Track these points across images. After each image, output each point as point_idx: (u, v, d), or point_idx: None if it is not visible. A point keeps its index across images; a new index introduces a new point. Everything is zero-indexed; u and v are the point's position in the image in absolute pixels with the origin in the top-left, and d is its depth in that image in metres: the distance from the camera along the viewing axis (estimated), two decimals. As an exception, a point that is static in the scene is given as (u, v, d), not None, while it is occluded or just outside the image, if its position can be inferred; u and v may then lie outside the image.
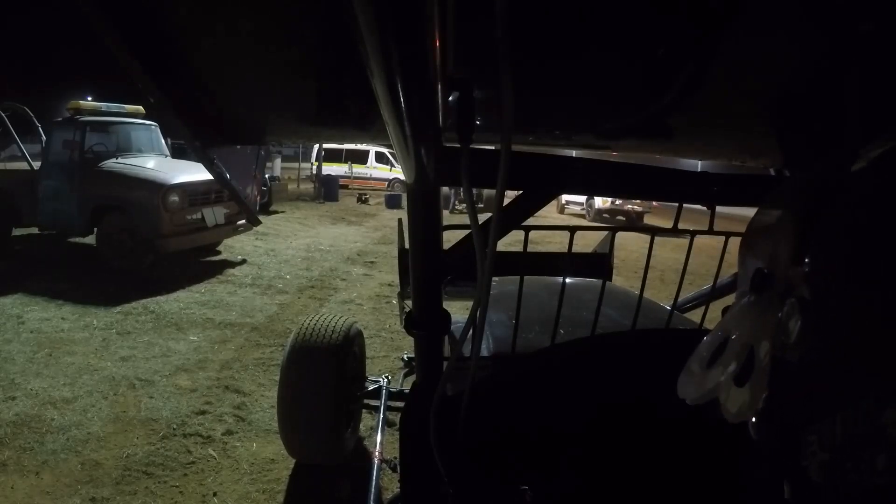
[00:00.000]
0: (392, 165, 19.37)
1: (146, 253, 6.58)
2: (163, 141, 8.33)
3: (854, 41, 0.59)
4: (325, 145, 17.97)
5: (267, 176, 12.86)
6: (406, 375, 3.24)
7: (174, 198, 6.49)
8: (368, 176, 20.16)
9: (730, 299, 1.66)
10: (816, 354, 0.50)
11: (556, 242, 7.27)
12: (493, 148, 0.98)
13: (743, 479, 0.74)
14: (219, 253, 8.01)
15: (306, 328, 2.60)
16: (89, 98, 9.32)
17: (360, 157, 20.14)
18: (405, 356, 3.52)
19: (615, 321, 1.75)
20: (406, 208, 0.98)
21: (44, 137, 7.38)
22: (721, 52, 0.70)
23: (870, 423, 0.43)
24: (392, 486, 2.66)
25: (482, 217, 0.80)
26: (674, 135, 1.11)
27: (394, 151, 0.80)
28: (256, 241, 8.99)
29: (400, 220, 1.91)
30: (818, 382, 0.50)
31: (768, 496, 0.60)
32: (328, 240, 9.80)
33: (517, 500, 1.17)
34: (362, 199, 16.30)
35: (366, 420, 3.20)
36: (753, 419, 0.58)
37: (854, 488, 0.44)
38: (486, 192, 11.19)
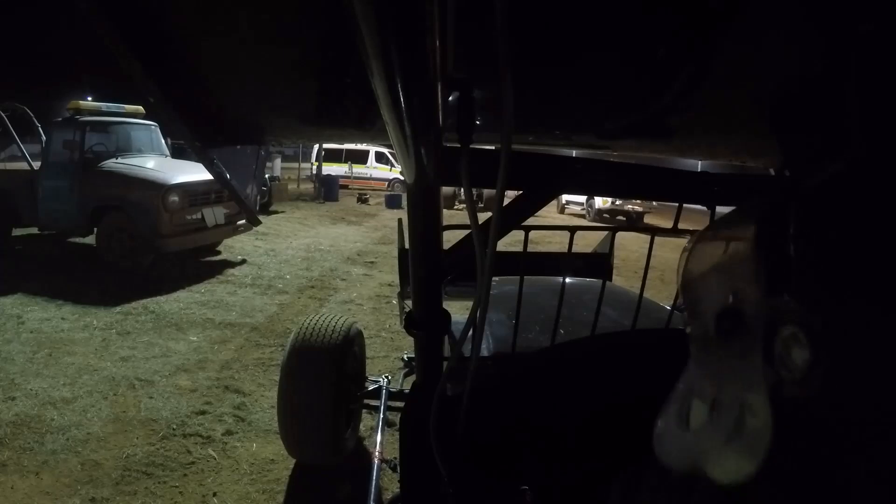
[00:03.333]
0: (392, 165, 19.36)
1: (146, 253, 6.59)
2: (163, 141, 8.33)
3: (854, 41, 0.59)
4: (325, 145, 17.97)
5: (267, 176, 12.84)
6: (406, 375, 3.24)
7: (174, 198, 6.49)
8: (368, 176, 20.16)
9: None
10: (837, 382, 0.45)
11: (556, 242, 7.27)
12: (493, 148, 0.98)
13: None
14: (219, 253, 8.01)
15: (306, 328, 2.60)
16: (89, 98, 9.32)
17: (360, 157, 20.13)
18: (405, 356, 3.52)
19: (615, 321, 1.75)
20: (406, 208, 0.98)
21: (44, 137, 7.37)
22: (721, 51, 0.70)
23: None
24: (392, 486, 2.66)
25: (482, 217, 0.80)
26: (674, 135, 1.11)
27: (394, 151, 0.80)
28: (256, 241, 8.99)
29: (400, 220, 1.91)
30: (848, 411, 0.45)
31: None
32: (328, 240, 9.80)
33: (517, 500, 1.17)
34: (362, 199, 16.29)
35: (366, 420, 3.20)
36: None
37: None
38: (487, 191, 11.19)
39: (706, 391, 0.58)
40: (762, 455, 0.48)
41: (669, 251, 7.15)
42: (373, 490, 1.97)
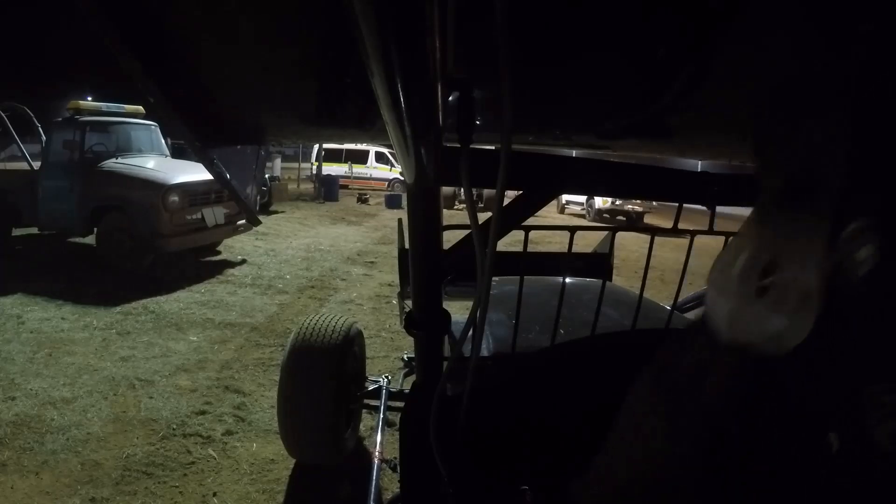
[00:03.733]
0: (392, 165, 19.35)
1: (146, 253, 6.58)
2: (163, 141, 8.33)
3: (854, 41, 0.59)
4: (325, 145, 17.96)
5: (267, 176, 12.84)
6: (406, 375, 3.24)
7: (174, 198, 6.49)
8: (368, 176, 20.15)
9: None
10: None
11: (556, 242, 7.27)
12: (493, 148, 0.98)
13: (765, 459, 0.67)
14: (219, 253, 8.01)
15: (306, 328, 2.60)
16: (89, 98, 9.32)
17: (360, 157, 20.12)
18: (405, 356, 3.51)
19: (615, 321, 1.75)
20: (406, 208, 0.98)
21: (44, 137, 7.37)
22: (721, 51, 0.70)
23: None
24: (392, 486, 2.66)
25: (482, 217, 0.80)
26: (674, 135, 1.11)
27: (394, 151, 0.80)
28: (256, 241, 8.99)
29: (400, 220, 1.91)
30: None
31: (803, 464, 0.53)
32: (328, 240, 9.80)
33: (517, 500, 1.17)
34: (362, 199, 16.29)
35: (366, 420, 3.20)
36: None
37: None
38: (487, 191, 11.18)
39: (762, 255, 0.52)
40: (803, 334, 0.45)
41: (669, 251, 7.16)
42: (373, 490, 1.97)
